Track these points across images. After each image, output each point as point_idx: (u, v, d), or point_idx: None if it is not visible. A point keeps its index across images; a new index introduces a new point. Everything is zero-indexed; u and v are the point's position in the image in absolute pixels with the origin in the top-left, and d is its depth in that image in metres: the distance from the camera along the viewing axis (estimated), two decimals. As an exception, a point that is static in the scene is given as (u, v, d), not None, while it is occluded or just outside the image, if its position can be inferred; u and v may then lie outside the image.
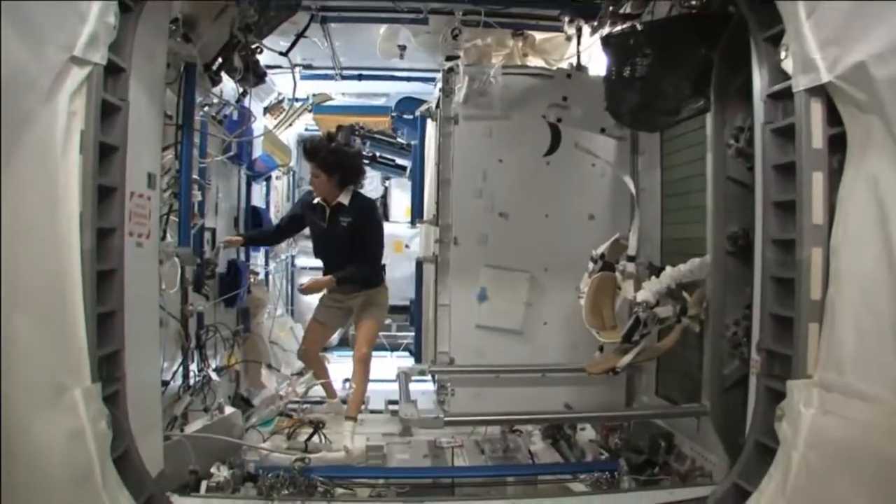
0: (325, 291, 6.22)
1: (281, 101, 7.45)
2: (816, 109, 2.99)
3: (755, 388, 3.38)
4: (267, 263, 7.65)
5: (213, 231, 5.76)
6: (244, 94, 5.37)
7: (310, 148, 5.79)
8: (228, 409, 4.94)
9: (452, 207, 5.47)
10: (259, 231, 6.58)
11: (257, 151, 6.84)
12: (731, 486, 3.37)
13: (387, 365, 8.10)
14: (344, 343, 8.66)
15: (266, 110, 7.46)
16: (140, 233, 3.33)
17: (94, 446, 2.76)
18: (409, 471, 4.61)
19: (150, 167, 3.45)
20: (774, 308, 3.24)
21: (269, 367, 6.40)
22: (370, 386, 6.40)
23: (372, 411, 6.50)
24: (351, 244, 5.83)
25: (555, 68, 5.66)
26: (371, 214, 5.98)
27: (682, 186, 4.93)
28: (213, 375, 5.07)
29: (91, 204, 2.83)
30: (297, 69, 6.55)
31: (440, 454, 4.93)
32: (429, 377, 5.51)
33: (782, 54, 3.09)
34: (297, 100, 7.71)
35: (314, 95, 7.88)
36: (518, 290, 5.46)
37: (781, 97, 3.21)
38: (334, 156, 5.77)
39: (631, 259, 4.65)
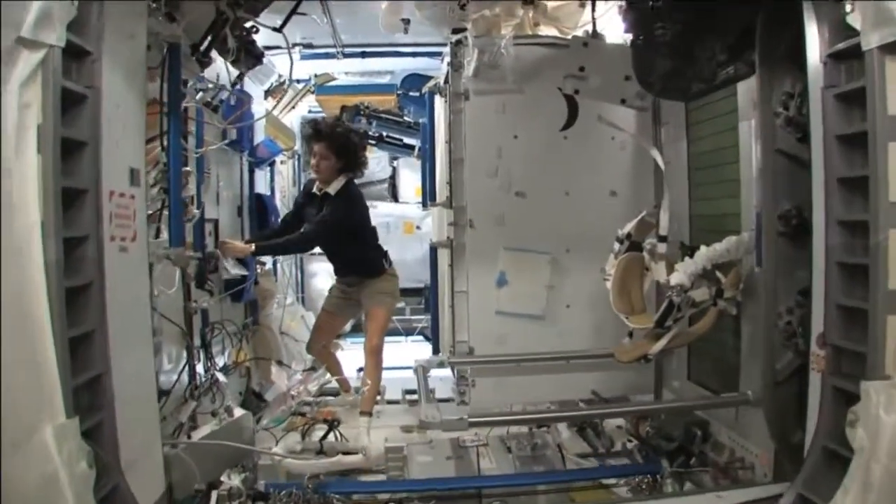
0: (334, 281, 5.84)
1: (282, 84, 6.94)
2: (892, 69, 2.48)
3: (819, 387, 2.89)
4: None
5: (216, 222, 5.30)
6: (241, 76, 4.87)
7: (324, 128, 5.35)
8: (238, 412, 4.51)
9: (466, 188, 4.97)
10: (259, 235, 5.89)
11: (260, 136, 6.37)
12: (796, 498, 2.91)
13: (402, 350, 7.67)
14: (357, 329, 8.18)
15: (267, 93, 6.96)
16: (124, 236, 2.86)
17: (70, 493, 2.27)
18: (431, 482, 4.13)
19: (133, 161, 2.96)
20: (841, 298, 2.76)
21: (280, 363, 5.94)
22: (386, 374, 5.99)
23: (389, 402, 6.10)
24: (341, 236, 5.39)
25: (569, 37, 5.13)
26: (345, 201, 5.41)
27: (712, 159, 4.45)
28: (220, 376, 4.63)
29: (55, 211, 2.35)
30: (297, 48, 6.11)
31: (464, 454, 4.49)
32: (447, 369, 5.04)
33: (847, 7, 2.59)
34: (298, 81, 7.23)
35: (316, 76, 7.36)
36: (539, 272, 4.98)
37: (845, 57, 2.71)
38: (345, 139, 5.35)
39: (662, 239, 4.17)
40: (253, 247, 5.16)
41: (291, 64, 4.76)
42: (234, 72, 4.93)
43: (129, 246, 2.91)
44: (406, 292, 8.20)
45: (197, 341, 4.63)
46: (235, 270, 5.05)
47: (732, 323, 4.12)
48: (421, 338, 8.14)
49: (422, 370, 4.51)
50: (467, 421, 3.66)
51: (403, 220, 8.81)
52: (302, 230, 5.37)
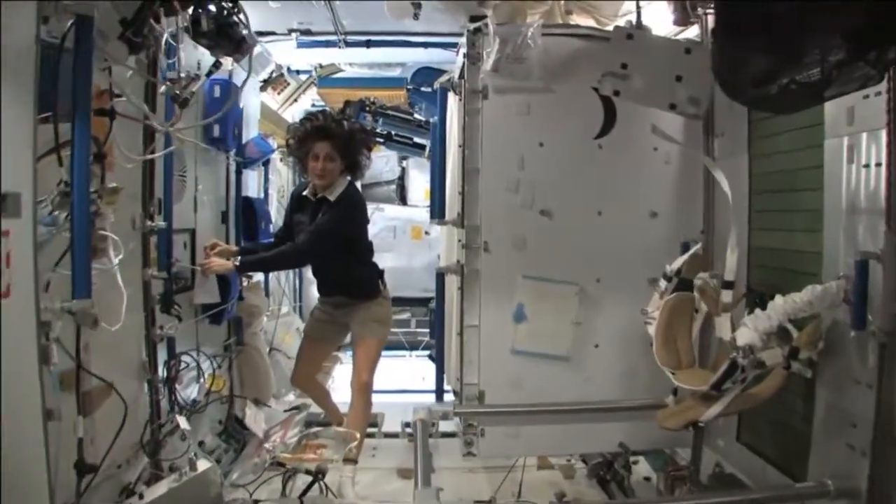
0: (317, 301, 4.84)
1: (282, 75, 5.91)
2: None
3: None
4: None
5: (192, 232, 4.29)
6: (217, 64, 3.82)
7: (329, 125, 4.33)
8: (202, 464, 3.52)
9: (481, 204, 3.91)
10: (252, 246, 4.91)
11: (253, 133, 5.35)
12: None
13: (406, 366, 6.70)
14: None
15: (267, 84, 5.92)
16: (-15, 292, 1.84)
17: None
18: None
19: (9, 183, 1.93)
20: None
21: (257, 402, 4.88)
22: (385, 399, 5.02)
23: (386, 435, 5.08)
24: (335, 249, 4.35)
25: (611, 27, 4.04)
26: (339, 206, 4.34)
27: (784, 182, 3.39)
28: (182, 422, 3.62)
29: None
30: (293, 35, 5.11)
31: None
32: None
33: None
34: (298, 72, 6.20)
35: (321, 66, 6.29)
36: (564, 306, 3.91)
37: None
38: (351, 137, 4.39)
39: (727, 286, 3.12)
40: (238, 262, 4.19)
41: (251, 46, 3.61)
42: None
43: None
44: (412, 302, 7.21)
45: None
46: (205, 297, 4.04)
47: (802, 383, 3.08)
48: (426, 354, 7.02)
49: (421, 426, 3.43)
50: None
51: (411, 225, 7.73)
52: (295, 241, 4.36)
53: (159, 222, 3.64)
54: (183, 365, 3.94)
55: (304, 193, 4.45)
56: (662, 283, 3.40)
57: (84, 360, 2.93)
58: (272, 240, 4.81)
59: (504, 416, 3.87)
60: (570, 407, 3.82)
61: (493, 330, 3.91)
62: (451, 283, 4.38)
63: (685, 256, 3.36)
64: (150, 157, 2.97)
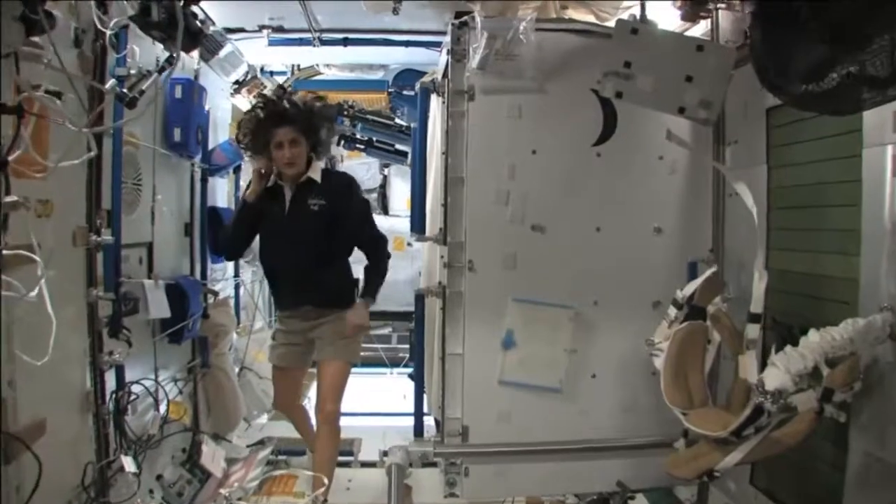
0: (276, 322, 4.23)
1: (255, 76, 5.36)
2: None
3: None
4: (237, 274, 5.54)
5: (149, 247, 3.74)
6: (170, 60, 3.29)
7: (287, 108, 3.74)
8: (150, 509, 2.99)
9: (466, 218, 3.37)
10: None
11: (223, 137, 4.80)
12: None
13: (386, 384, 6.14)
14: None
15: (241, 86, 5.36)
16: None
17: None
18: None
19: None
20: None
21: (217, 437, 4.28)
22: (363, 421, 4.48)
23: (363, 464, 4.52)
24: (328, 240, 3.72)
25: (611, 23, 3.52)
26: (356, 191, 3.92)
27: (810, 196, 2.90)
28: (128, 464, 3.06)
29: None
30: (264, 31, 4.58)
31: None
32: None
33: None
34: (272, 73, 5.65)
35: (300, 68, 5.74)
36: (558, 332, 3.37)
37: None
38: (317, 114, 3.83)
39: (754, 319, 2.59)
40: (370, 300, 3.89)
41: (180, 35, 2.98)
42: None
43: None
44: (394, 316, 6.66)
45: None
46: (157, 312, 3.49)
47: (831, 425, 2.57)
48: (406, 373, 6.44)
49: (396, 471, 2.88)
50: None
51: (394, 235, 7.12)
52: (375, 244, 3.94)
53: (106, 237, 3.10)
54: (133, 396, 3.37)
55: (271, 184, 3.83)
56: (672, 311, 2.88)
57: (8, 396, 2.43)
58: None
59: (490, 456, 3.34)
60: (564, 446, 3.33)
61: (479, 358, 3.37)
62: (434, 301, 3.82)
63: (699, 281, 2.85)
64: (68, 163, 2.39)
